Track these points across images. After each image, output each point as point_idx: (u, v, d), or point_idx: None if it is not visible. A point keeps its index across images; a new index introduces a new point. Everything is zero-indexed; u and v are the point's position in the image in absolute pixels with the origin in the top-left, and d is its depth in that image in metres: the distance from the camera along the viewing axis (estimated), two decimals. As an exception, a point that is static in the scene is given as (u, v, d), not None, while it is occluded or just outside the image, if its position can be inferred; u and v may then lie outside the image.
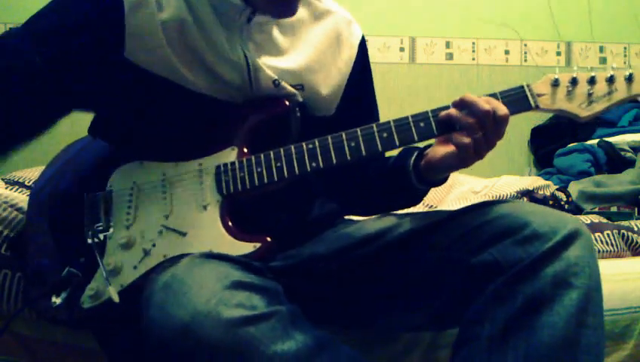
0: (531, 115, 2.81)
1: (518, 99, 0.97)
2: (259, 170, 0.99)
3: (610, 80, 0.96)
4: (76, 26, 1.03)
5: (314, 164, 0.98)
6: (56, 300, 0.99)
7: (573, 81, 0.97)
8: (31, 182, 1.69)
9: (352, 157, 0.98)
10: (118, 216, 1.02)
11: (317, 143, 0.98)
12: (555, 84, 0.97)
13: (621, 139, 2.44)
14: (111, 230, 1.02)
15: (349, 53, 1.19)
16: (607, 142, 2.42)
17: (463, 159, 0.99)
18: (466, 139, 0.97)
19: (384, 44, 2.81)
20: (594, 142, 2.48)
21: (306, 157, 0.98)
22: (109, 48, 1.02)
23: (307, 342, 0.80)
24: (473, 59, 2.92)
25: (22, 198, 1.32)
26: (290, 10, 1.06)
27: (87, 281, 0.99)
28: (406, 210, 1.17)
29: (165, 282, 0.83)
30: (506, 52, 2.94)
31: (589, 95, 0.96)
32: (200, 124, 1.06)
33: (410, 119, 0.98)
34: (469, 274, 0.96)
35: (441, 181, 1.10)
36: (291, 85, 1.09)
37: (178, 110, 1.06)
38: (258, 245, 0.95)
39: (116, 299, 0.95)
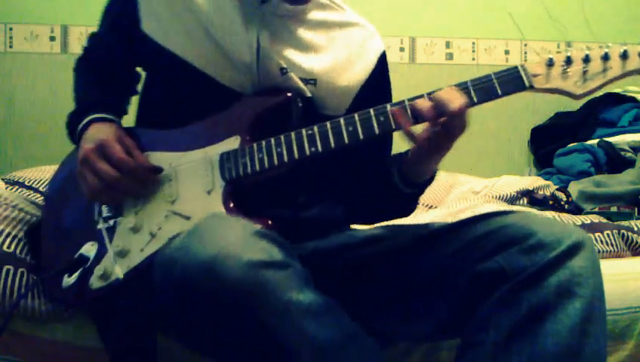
0: (531, 115, 2.83)
1: (512, 80, 0.96)
2: (260, 155, 1.02)
3: (605, 57, 0.95)
4: (112, 7, 1.20)
5: (313, 149, 1.00)
6: (69, 280, 1.04)
7: (568, 60, 0.96)
8: (31, 182, 1.68)
9: (350, 141, 0.99)
10: (128, 202, 1.07)
11: (316, 129, 1.01)
12: (550, 64, 0.96)
13: (621, 139, 2.44)
14: (121, 217, 1.07)
15: (367, 62, 1.21)
16: (607, 142, 2.42)
17: (424, 153, 1.01)
18: (419, 135, 0.97)
19: (384, 44, 2.81)
20: (594, 142, 2.48)
21: (305, 142, 1.01)
22: (129, 22, 1.13)
23: (318, 301, 0.84)
24: (473, 59, 2.92)
25: (21, 198, 1.32)
26: None
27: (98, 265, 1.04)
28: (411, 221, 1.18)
29: (188, 231, 0.87)
30: (506, 52, 2.94)
31: (584, 73, 0.95)
32: (206, 111, 1.09)
33: (407, 102, 0.98)
34: (473, 281, 0.97)
35: (423, 184, 1.10)
36: (303, 78, 1.12)
37: (187, 93, 1.11)
38: (259, 227, 0.96)
39: (121, 275, 1.00)
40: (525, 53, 2.95)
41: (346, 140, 0.99)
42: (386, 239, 1.09)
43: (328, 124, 1.00)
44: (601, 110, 2.63)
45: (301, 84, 1.12)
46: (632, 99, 2.65)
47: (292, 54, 1.13)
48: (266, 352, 0.83)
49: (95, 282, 1.02)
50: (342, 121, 1.00)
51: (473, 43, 2.92)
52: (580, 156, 2.41)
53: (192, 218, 1.01)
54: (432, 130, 0.97)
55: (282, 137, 1.02)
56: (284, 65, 1.11)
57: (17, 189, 1.57)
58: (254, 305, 0.80)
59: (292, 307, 0.81)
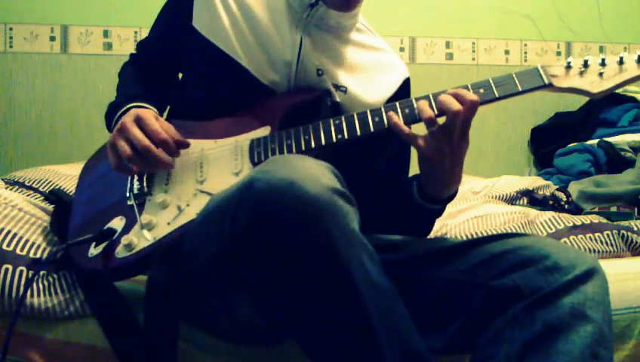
0: (531, 115, 2.83)
1: (532, 79, 1.03)
2: (288, 142, 1.09)
3: (621, 61, 1.02)
4: (170, 3, 1.28)
5: (339, 136, 1.06)
6: (94, 251, 1.06)
7: (585, 64, 1.03)
8: (31, 182, 1.68)
9: (375, 130, 1.05)
10: (159, 181, 1.13)
11: (343, 118, 1.08)
12: (568, 66, 1.04)
13: (621, 139, 2.44)
14: (150, 195, 1.11)
15: (390, 85, 1.28)
16: (607, 142, 2.42)
17: (425, 158, 1.06)
18: (417, 140, 1.03)
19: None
20: (594, 142, 2.48)
21: (333, 130, 1.07)
22: (182, 17, 1.21)
23: (371, 248, 0.89)
24: (473, 59, 2.92)
25: (21, 198, 1.32)
26: (348, 2, 1.20)
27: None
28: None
29: (265, 162, 0.90)
30: (506, 52, 2.94)
31: (600, 74, 1.02)
32: (239, 106, 1.17)
33: (431, 97, 1.04)
34: (487, 296, 0.99)
35: (442, 201, 1.15)
36: (335, 85, 1.20)
37: (223, 87, 1.18)
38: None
39: (150, 238, 1.03)
40: (525, 53, 2.95)
41: (372, 129, 1.05)
42: (400, 248, 1.12)
43: (355, 115, 1.07)
44: (601, 110, 2.63)
45: (332, 88, 1.20)
46: (632, 99, 2.65)
47: (328, 64, 1.21)
48: (331, 285, 0.85)
49: (120, 251, 1.04)
50: (369, 112, 1.06)
51: (473, 43, 2.92)
52: (580, 156, 2.41)
53: None
54: (430, 129, 1.01)
55: (311, 126, 1.08)
56: (321, 68, 1.19)
57: (17, 189, 1.57)
58: (327, 224, 0.83)
59: (355, 237, 0.86)
